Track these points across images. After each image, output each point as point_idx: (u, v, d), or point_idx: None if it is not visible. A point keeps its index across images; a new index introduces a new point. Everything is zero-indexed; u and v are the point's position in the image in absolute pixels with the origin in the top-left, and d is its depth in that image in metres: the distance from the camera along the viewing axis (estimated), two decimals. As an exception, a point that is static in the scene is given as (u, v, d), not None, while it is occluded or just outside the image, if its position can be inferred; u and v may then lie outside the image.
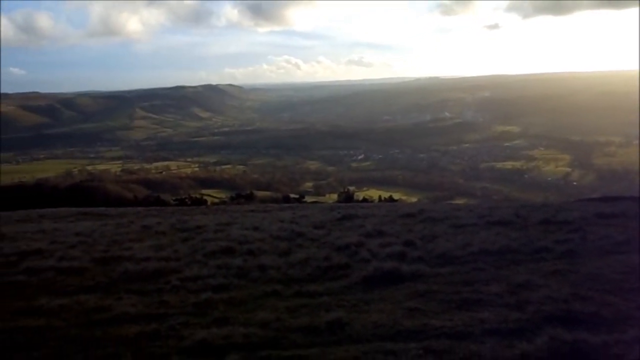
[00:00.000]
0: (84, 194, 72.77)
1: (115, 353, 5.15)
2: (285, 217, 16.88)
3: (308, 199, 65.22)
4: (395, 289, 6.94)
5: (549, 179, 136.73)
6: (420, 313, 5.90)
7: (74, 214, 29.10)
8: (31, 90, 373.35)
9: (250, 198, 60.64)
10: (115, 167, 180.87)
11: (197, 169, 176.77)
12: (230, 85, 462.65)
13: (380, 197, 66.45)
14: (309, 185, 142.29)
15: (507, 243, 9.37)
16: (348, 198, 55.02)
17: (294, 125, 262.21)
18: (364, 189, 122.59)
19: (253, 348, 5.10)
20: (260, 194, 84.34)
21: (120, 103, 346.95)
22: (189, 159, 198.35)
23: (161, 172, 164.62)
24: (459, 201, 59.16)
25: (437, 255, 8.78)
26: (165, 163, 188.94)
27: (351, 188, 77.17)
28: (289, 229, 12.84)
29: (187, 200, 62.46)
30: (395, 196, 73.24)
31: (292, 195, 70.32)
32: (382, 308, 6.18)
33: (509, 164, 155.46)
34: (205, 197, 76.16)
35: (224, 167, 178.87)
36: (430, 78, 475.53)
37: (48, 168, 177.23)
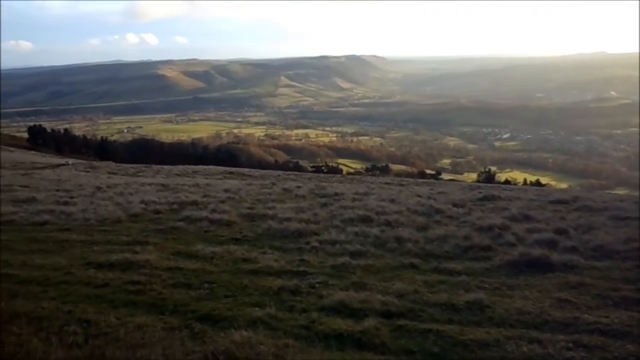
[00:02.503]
0: (230, 154, 78.78)
1: (260, 302, 5.51)
2: (422, 192, 16.58)
3: (444, 176, 63.39)
4: (543, 278, 6.47)
5: None
6: (572, 305, 5.43)
7: (222, 172, 31.74)
8: (191, 57, 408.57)
9: (385, 170, 60.81)
10: (259, 132, 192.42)
11: (334, 138, 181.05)
12: (374, 56, 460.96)
13: (525, 180, 62.35)
14: (446, 162, 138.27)
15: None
16: (489, 178, 52.29)
17: (436, 99, 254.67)
18: (507, 170, 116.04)
19: (390, 316, 5.14)
20: (395, 167, 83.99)
21: (267, 71, 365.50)
22: (328, 128, 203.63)
23: (300, 140, 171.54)
24: (620, 191, 53.04)
25: (593, 247, 7.97)
26: (305, 131, 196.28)
27: (492, 168, 73.06)
28: (426, 204, 12.58)
29: (323, 167, 64.62)
30: (543, 180, 68.12)
31: (428, 171, 69.08)
32: (527, 295, 5.81)
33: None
34: (341, 166, 78.02)
35: (361, 138, 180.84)
36: (595, 53, 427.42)
37: (201, 129, 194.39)
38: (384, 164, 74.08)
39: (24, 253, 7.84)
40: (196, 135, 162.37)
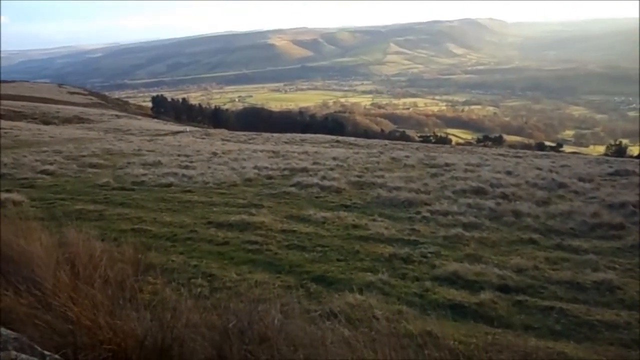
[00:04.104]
0: (336, 123, 79.39)
1: (372, 268, 5.55)
2: (542, 165, 15.48)
3: (566, 149, 58.69)
4: (687, 262, 5.79)
5: None
6: None
7: (328, 141, 32.07)
8: (301, 25, 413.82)
9: (498, 142, 57.74)
10: (365, 101, 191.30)
11: (444, 107, 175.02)
12: (491, 19, 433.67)
13: (667, 155, 55.92)
14: (568, 133, 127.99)
15: None
16: (619, 152, 47.30)
17: (559, 65, 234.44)
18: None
19: (508, 290, 4.96)
20: (509, 138, 79.54)
21: (375, 38, 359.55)
22: (437, 97, 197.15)
23: (408, 109, 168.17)
24: None
25: None
26: (413, 100, 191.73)
27: (624, 141, 65.97)
28: (547, 177, 11.74)
29: (431, 137, 62.91)
30: (685, 155, 60.53)
31: (547, 143, 64.41)
32: (667, 280, 5.24)
33: None
34: (450, 137, 75.51)
35: (473, 107, 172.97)
36: None
37: (309, 98, 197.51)
38: (497, 135, 70.23)
39: (154, 211, 8.57)
40: (303, 104, 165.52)
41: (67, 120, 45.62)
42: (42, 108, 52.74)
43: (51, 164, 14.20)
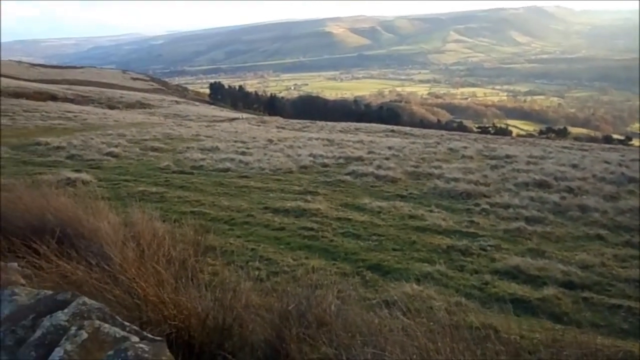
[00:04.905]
0: (392, 113, 78.53)
1: (429, 258, 5.45)
2: (610, 159, 14.67)
3: (635, 142, 55.42)
4: None
5: None
6: None
7: (383, 130, 31.75)
8: (359, 13, 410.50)
9: (563, 134, 55.32)
10: (422, 90, 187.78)
11: (504, 97, 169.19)
12: (558, 6, 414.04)
13: None
14: (638, 126, 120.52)
15: None
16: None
17: (630, 54, 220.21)
18: None
19: (572, 287, 4.76)
20: (574, 130, 75.92)
21: (435, 26, 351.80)
22: (498, 87, 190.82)
23: (466, 99, 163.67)
24: None
25: None
26: (472, 89, 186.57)
27: None
28: (617, 171, 11.12)
29: (490, 128, 61.07)
30: None
31: (615, 136, 61.13)
32: None
33: None
34: (510, 128, 73.03)
35: (535, 97, 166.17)
36: None
37: (364, 87, 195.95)
38: (561, 127, 67.22)
39: (213, 195, 8.78)
40: (359, 93, 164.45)
41: (130, 105, 47.53)
42: (107, 93, 55.18)
43: (116, 146, 14.83)
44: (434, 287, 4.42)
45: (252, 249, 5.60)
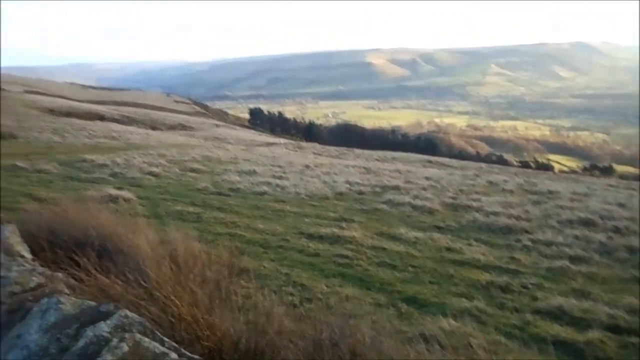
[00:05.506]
0: (429, 143, 77.94)
1: (467, 294, 5.27)
2: (660, 199, 14.08)
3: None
4: None
5: None
6: None
7: (420, 160, 31.52)
8: (399, 45, 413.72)
9: (608, 171, 53.61)
10: (460, 122, 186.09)
11: (547, 132, 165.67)
12: (604, 42, 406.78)
13: None
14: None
15: None
16: None
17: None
18: None
19: (618, 331, 4.51)
20: (620, 168, 73.29)
21: (475, 59, 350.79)
22: (540, 121, 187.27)
23: (506, 132, 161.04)
24: None
25: None
26: (513, 122, 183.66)
27: None
28: (669, 212, 10.63)
29: (532, 163, 59.77)
30: None
31: (663, 176, 58.76)
32: None
33: None
34: (552, 163, 71.28)
35: (579, 133, 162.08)
36: None
37: (402, 117, 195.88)
38: (606, 164, 65.18)
39: (248, 217, 8.81)
40: (396, 123, 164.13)
41: (171, 127, 48.85)
42: (151, 115, 56.94)
43: (156, 166, 15.19)
44: (473, 323, 4.24)
45: (286, 274, 5.55)
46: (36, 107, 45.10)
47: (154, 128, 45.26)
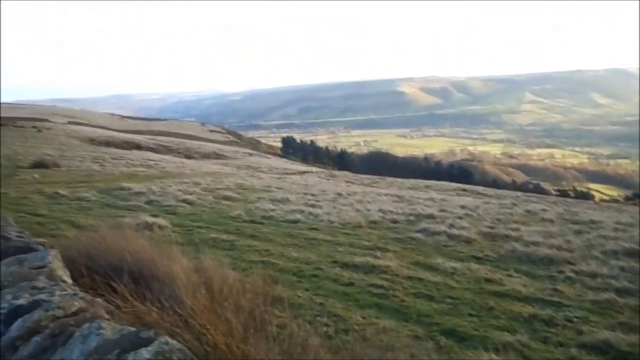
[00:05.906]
0: (463, 171, 76.98)
1: (509, 327, 5.06)
2: None
3: None
4: None
5: None
6: None
7: (454, 189, 31.01)
8: (431, 74, 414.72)
9: (651, 200, 51.51)
10: (495, 150, 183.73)
11: (585, 160, 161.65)
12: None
13: None
14: None
15: None
16: None
17: None
18: None
19: (671, 369, 4.20)
20: (664, 197, 70.56)
21: (509, 86, 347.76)
22: (577, 149, 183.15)
23: (543, 160, 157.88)
24: None
25: None
26: (549, 150, 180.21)
27: None
28: None
29: (570, 192, 58.13)
30: None
31: None
32: None
33: None
34: (592, 192, 69.22)
35: (619, 161, 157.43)
36: None
37: (435, 145, 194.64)
38: (648, 193, 62.81)
39: (282, 245, 8.78)
40: (429, 151, 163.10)
41: (206, 156, 49.82)
42: (186, 143, 58.33)
43: (191, 194, 15.40)
44: (515, 358, 4.06)
45: (320, 304, 5.46)
46: (78, 137, 46.91)
47: (188, 157, 46.25)
